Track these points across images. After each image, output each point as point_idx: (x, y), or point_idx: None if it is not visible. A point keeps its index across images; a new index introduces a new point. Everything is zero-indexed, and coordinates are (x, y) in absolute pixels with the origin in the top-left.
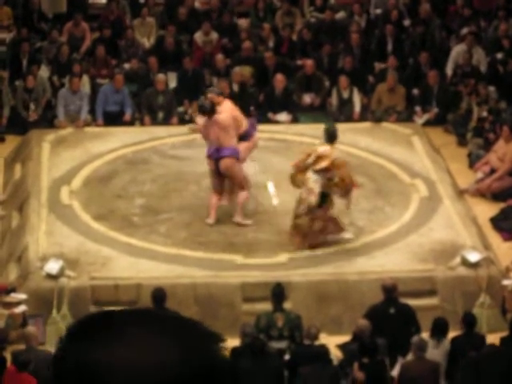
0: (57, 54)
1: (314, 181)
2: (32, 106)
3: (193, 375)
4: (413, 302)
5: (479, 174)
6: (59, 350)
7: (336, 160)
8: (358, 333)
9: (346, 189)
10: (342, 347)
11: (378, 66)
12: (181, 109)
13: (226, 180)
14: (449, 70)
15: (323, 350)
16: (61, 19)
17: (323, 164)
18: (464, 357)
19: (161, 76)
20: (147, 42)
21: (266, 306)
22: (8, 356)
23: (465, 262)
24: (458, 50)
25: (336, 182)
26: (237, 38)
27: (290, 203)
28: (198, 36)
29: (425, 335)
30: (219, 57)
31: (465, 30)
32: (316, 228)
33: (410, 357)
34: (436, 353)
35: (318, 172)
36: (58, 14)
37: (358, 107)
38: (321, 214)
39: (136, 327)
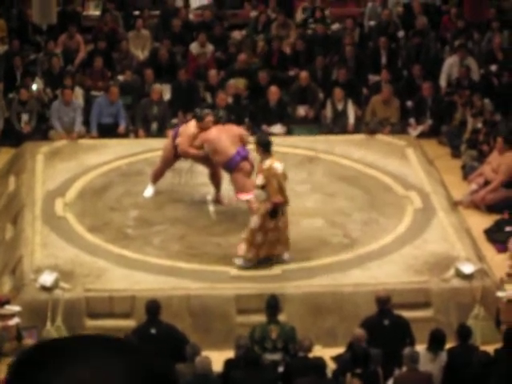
0: (49, 66)
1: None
2: (25, 118)
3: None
4: (407, 314)
5: (473, 186)
6: (10, 376)
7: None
8: (354, 341)
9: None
10: (337, 359)
11: (372, 78)
12: (175, 120)
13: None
14: (442, 82)
15: (320, 363)
16: (55, 31)
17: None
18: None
19: (157, 86)
20: (141, 54)
21: (261, 318)
22: (3, 368)
23: (459, 274)
24: (450, 62)
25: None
26: (230, 50)
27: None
28: (194, 47)
29: (419, 347)
30: (212, 72)
31: (457, 42)
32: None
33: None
34: (432, 366)
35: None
36: (51, 25)
37: (352, 119)
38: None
39: (82, 351)
